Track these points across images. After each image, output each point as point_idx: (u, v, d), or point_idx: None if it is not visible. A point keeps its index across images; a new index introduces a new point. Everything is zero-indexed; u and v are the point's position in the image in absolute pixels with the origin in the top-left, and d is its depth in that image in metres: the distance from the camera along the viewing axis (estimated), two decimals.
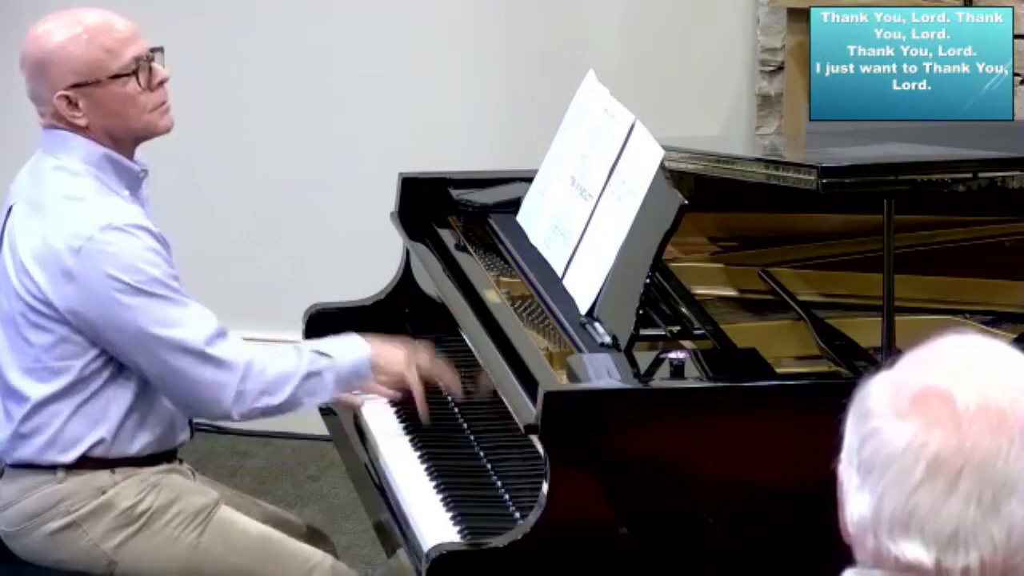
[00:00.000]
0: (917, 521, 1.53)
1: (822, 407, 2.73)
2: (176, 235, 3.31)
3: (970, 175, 3.01)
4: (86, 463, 3.08)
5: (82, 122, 3.07)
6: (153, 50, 3.13)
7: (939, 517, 1.52)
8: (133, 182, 3.14)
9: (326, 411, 3.45)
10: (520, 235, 3.43)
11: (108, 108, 3.07)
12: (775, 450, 2.80)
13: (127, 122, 3.09)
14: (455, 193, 3.66)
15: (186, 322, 3.00)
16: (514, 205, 3.53)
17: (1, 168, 3.60)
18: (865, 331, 3.06)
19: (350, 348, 3.16)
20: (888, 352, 2.90)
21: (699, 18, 4.86)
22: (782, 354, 3.06)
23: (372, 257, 4.09)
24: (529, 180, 3.50)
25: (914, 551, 1.53)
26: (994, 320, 3.27)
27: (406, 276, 3.68)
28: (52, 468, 3.08)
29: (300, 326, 3.72)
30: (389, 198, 3.73)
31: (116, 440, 3.08)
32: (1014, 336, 3.09)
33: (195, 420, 3.26)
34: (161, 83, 3.12)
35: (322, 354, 3.12)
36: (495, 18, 4.92)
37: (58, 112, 3.07)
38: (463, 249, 3.50)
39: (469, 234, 3.57)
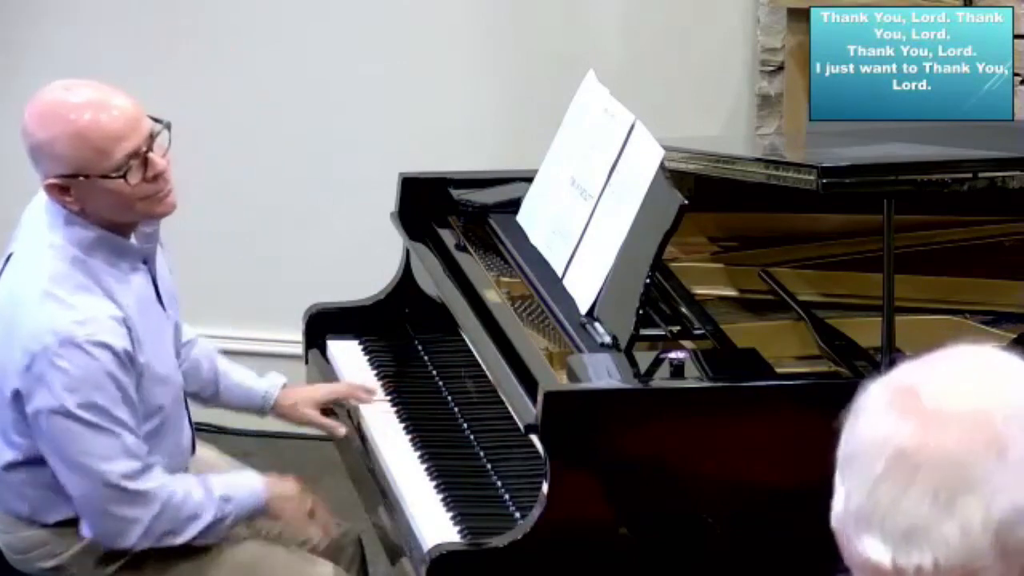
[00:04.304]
0: (878, 516, 1.50)
1: (822, 407, 2.74)
2: (176, 235, 3.30)
3: (970, 175, 3.01)
4: (67, 523, 3.03)
5: (75, 208, 2.93)
6: (155, 129, 2.95)
7: (896, 512, 1.49)
8: (134, 258, 3.01)
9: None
10: (520, 235, 3.43)
11: (98, 200, 2.92)
12: (775, 450, 2.80)
13: (119, 213, 2.95)
14: (455, 193, 3.65)
15: (112, 455, 2.88)
16: (514, 205, 3.53)
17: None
18: (865, 331, 3.06)
19: (249, 494, 3.07)
20: (888, 352, 2.90)
21: (699, 18, 4.86)
22: (782, 354, 3.06)
23: (372, 257, 4.08)
24: (529, 180, 3.50)
25: (875, 548, 1.50)
26: (994, 320, 3.27)
27: (406, 276, 3.68)
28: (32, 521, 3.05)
29: (300, 326, 3.72)
30: (389, 198, 3.73)
31: None
32: (1014, 336, 3.10)
33: (193, 431, 3.20)
34: (156, 176, 2.94)
35: (226, 500, 3.02)
36: (495, 18, 4.92)
37: (52, 195, 2.94)
38: (463, 249, 3.50)
39: (469, 234, 3.56)
